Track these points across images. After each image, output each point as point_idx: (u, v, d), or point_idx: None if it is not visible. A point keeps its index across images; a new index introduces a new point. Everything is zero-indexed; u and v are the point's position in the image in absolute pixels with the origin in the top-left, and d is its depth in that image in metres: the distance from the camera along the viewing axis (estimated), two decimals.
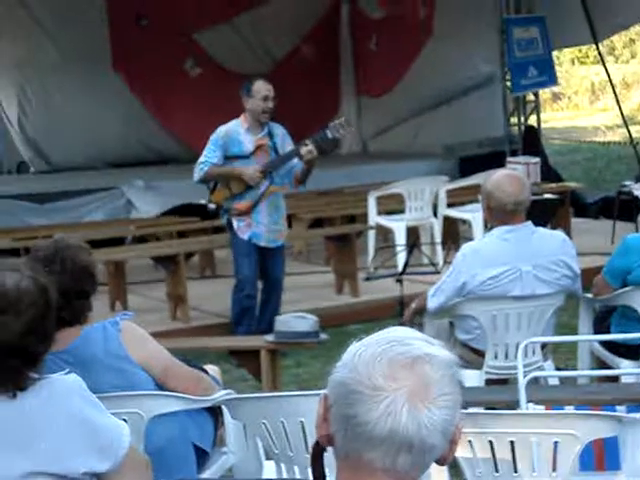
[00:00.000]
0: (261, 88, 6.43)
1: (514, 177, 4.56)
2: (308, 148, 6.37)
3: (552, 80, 12.34)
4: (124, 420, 2.66)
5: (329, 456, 1.55)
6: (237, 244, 6.64)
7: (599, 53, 13.55)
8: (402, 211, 9.12)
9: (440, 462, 1.49)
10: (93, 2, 12.11)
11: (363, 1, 13.38)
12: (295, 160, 6.51)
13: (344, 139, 12.44)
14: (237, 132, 6.49)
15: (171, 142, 12.88)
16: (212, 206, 6.77)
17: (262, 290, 6.72)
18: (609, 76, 13.55)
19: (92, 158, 12.62)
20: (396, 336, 1.48)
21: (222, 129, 6.52)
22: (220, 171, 6.49)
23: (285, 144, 6.57)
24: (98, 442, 2.34)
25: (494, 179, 4.45)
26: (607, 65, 13.85)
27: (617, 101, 13.39)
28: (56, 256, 3.20)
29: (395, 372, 1.43)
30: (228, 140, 6.46)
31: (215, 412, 3.49)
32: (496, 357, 4.51)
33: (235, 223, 6.59)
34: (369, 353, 1.46)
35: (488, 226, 4.80)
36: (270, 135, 6.52)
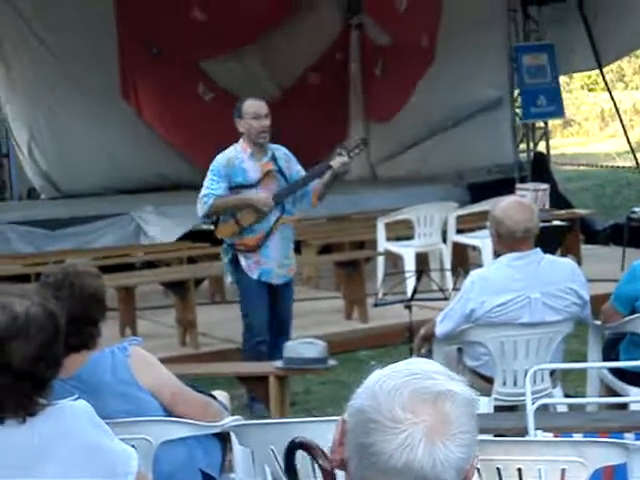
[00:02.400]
0: (250, 105, 5.87)
1: (523, 204, 4.57)
2: (343, 160, 5.88)
3: (559, 111, 12.44)
4: (133, 446, 2.67)
5: None
6: (246, 285, 6.02)
7: (603, 78, 13.62)
8: (411, 237, 9.13)
9: None
10: (105, 31, 12.21)
11: (371, 27, 13.46)
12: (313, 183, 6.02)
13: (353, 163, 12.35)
14: (240, 159, 5.89)
15: (181, 168, 12.93)
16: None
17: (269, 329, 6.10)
18: (614, 102, 13.62)
19: (102, 186, 12.69)
20: (419, 369, 1.48)
21: (223, 157, 5.91)
22: (227, 202, 5.87)
23: (291, 165, 6.02)
24: (107, 468, 2.35)
25: (503, 206, 4.45)
26: (617, 91, 13.92)
27: (623, 128, 13.44)
28: (64, 283, 3.23)
29: (416, 406, 1.43)
30: (231, 169, 5.87)
31: (223, 438, 3.50)
32: (505, 384, 4.50)
33: (243, 262, 5.97)
34: (391, 384, 1.45)
35: (497, 253, 4.80)
36: (274, 159, 5.96)
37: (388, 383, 1.46)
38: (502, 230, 4.38)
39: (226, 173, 5.86)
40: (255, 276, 5.97)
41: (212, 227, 6.13)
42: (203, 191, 5.87)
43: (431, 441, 1.42)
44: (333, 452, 1.52)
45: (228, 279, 6.28)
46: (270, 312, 6.09)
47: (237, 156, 5.90)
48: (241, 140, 5.94)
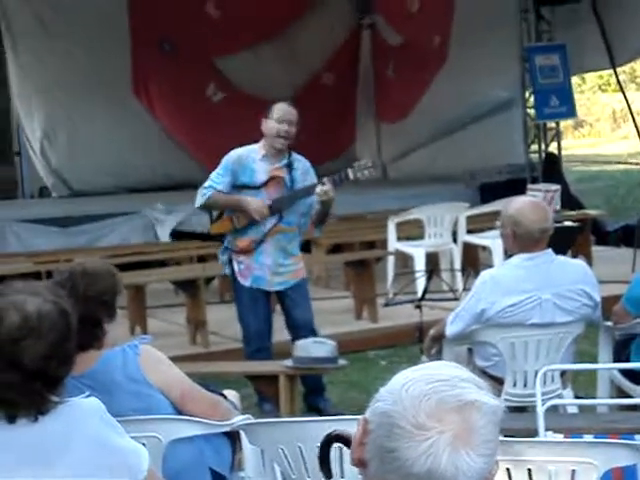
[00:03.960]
0: (279, 109, 5.72)
1: (538, 205, 4.56)
2: (324, 188, 5.60)
3: (571, 112, 12.41)
4: (143, 444, 2.68)
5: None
6: (238, 291, 5.90)
7: (617, 78, 13.60)
8: (422, 237, 9.13)
9: None
10: (117, 28, 12.24)
11: (383, 27, 13.45)
12: (314, 198, 5.74)
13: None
14: (252, 159, 5.75)
15: (189, 168, 12.94)
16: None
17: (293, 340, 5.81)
18: (628, 103, 13.58)
19: (114, 185, 12.73)
20: (447, 375, 1.48)
21: (235, 153, 5.79)
22: (224, 200, 5.75)
23: (306, 180, 5.80)
24: (118, 465, 2.36)
25: (518, 207, 4.43)
26: (629, 92, 13.90)
27: (637, 128, 13.40)
28: (68, 283, 3.24)
29: (442, 414, 1.43)
30: (240, 167, 5.74)
31: (233, 437, 3.50)
32: (515, 384, 4.50)
33: (235, 266, 5.84)
34: (417, 389, 1.45)
35: (508, 253, 4.80)
36: (289, 167, 5.79)
37: (414, 388, 1.45)
38: (520, 231, 4.36)
39: (233, 169, 5.73)
40: (247, 283, 5.83)
41: (210, 223, 6.02)
42: (206, 182, 5.78)
43: (455, 450, 1.41)
44: (353, 451, 1.52)
45: (226, 270, 6.09)
46: (287, 322, 5.99)
47: (250, 155, 5.77)
48: (262, 141, 5.80)
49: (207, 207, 5.87)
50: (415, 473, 1.41)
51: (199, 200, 5.80)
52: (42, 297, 2.39)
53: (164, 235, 10.72)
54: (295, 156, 5.84)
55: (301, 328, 5.84)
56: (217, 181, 5.73)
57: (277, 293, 5.97)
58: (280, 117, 5.69)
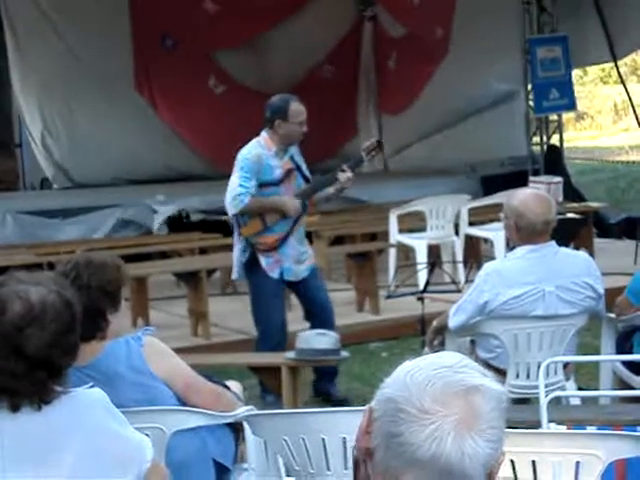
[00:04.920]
0: (299, 112, 5.76)
1: (542, 197, 4.55)
2: (348, 175, 5.87)
3: (571, 104, 12.40)
4: (146, 435, 2.68)
5: None
6: (265, 285, 5.86)
7: (618, 71, 13.58)
8: (423, 229, 9.12)
9: None
10: (118, 22, 12.23)
11: (385, 19, 13.42)
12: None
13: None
14: (266, 156, 5.76)
15: (193, 160, 12.96)
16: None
17: (313, 325, 5.87)
18: (629, 95, 13.56)
19: (115, 177, 12.72)
20: (451, 362, 1.48)
21: (252, 153, 5.76)
22: (261, 204, 5.79)
23: (302, 162, 5.98)
24: (121, 456, 2.36)
25: (522, 199, 4.43)
26: (631, 84, 13.87)
27: (638, 120, 13.39)
28: (72, 272, 3.24)
29: (446, 398, 1.43)
30: (260, 166, 5.75)
31: (236, 428, 3.50)
32: (518, 376, 4.50)
33: (263, 261, 5.85)
34: (422, 375, 1.45)
35: (510, 245, 4.79)
36: (291, 157, 5.89)
37: (419, 374, 1.46)
38: (523, 223, 4.36)
39: (257, 170, 5.73)
40: (276, 275, 5.85)
41: (238, 227, 5.95)
42: (237, 188, 5.71)
43: (460, 434, 1.41)
44: (359, 440, 1.52)
45: (235, 275, 6.14)
46: (308, 305, 6.04)
47: (263, 152, 5.77)
48: (265, 136, 5.82)
49: (243, 213, 5.81)
50: (419, 457, 1.41)
51: (236, 207, 5.74)
52: (46, 287, 2.39)
53: (163, 226, 10.72)
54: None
55: (326, 308, 5.97)
56: (248, 185, 5.71)
57: (293, 283, 5.99)
58: (302, 120, 5.77)
